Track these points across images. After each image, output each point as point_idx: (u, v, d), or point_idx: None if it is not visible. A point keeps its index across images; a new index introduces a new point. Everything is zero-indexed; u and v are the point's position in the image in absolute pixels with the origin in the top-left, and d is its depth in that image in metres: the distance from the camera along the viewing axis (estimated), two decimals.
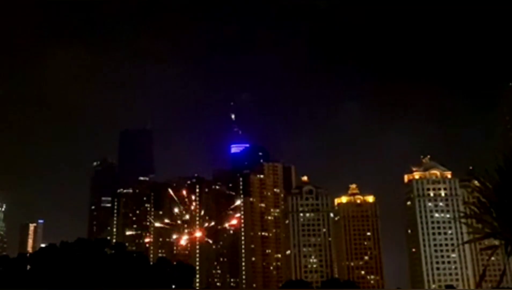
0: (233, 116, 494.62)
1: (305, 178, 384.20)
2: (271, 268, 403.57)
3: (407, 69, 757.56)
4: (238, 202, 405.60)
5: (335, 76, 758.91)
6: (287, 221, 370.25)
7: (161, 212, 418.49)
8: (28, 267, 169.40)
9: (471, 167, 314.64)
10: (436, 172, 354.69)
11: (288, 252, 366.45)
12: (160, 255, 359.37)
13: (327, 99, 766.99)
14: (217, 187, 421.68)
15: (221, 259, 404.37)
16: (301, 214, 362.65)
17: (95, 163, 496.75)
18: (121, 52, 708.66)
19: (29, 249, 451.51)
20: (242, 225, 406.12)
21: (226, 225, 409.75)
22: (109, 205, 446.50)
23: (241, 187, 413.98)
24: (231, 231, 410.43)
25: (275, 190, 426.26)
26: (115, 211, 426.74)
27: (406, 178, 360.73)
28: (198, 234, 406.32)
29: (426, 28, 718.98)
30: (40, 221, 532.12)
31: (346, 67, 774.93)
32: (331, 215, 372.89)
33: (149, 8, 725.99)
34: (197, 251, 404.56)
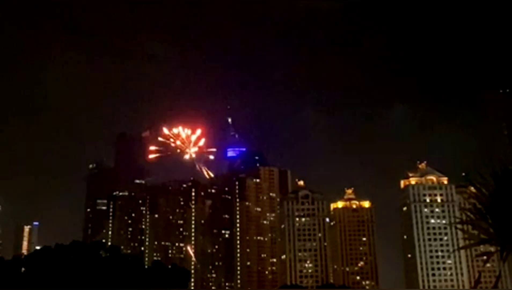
0: (229, 120, 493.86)
1: (301, 182, 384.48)
2: (266, 272, 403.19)
3: (402, 69, 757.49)
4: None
5: (332, 81, 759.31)
6: (282, 226, 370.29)
7: (156, 215, 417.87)
8: (23, 269, 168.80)
9: (463, 173, 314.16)
10: (432, 177, 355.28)
11: (283, 256, 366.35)
12: (155, 258, 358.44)
13: (324, 104, 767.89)
14: (213, 191, 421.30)
15: (216, 263, 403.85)
16: (297, 219, 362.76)
17: (91, 166, 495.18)
18: (119, 54, 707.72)
19: (24, 251, 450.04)
20: (238, 229, 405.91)
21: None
22: (104, 207, 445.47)
23: (237, 191, 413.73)
24: (227, 235, 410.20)
25: (271, 194, 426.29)
26: (111, 214, 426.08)
27: (402, 183, 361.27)
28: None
29: (418, 27, 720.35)
30: (35, 223, 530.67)
31: (344, 70, 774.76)
32: (327, 220, 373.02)
33: (148, 11, 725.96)
34: (192, 254, 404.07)
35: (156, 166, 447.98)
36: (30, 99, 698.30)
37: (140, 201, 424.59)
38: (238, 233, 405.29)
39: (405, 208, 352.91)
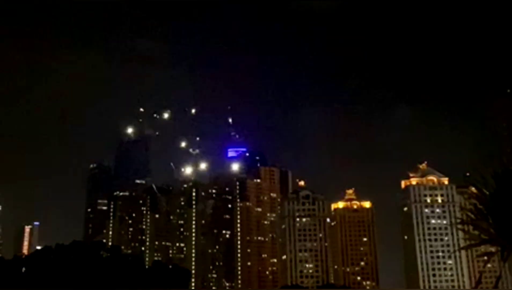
0: (230, 120, 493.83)
1: (301, 182, 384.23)
2: (267, 272, 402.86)
3: (403, 69, 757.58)
4: None
5: (331, 81, 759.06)
6: (283, 226, 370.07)
7: (157, 216, 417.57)
8: (23, 269, 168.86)
9: (467, 174, 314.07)
10: (433, 178, 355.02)
11: (284, 257, 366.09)
12: (155, 258, 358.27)
13: (324, 104, 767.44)
14: (214, 191, 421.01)
15: (217, 263, 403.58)
16: (298, 219, 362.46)
17: (91, 166, 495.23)
18: (121, 55, 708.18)
19: (25, 251, 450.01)
20: (239, 229, 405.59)
21: None
22: (105, 207, 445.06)
23: (237, 191, 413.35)
24: (227, 236, 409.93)
25: (271, 194, 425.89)
26: (111, 214, 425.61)
27: (403, 184, 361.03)
28: None
29: (415, 28, 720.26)
30: (36, 223, 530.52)
31: (345, 70, 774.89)
32: (328, 220, 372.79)
33: (150, 12, 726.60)
34: (193, 255, 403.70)
35: (157, 166, 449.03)
36: (30, 99, 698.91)
37: (140, 201, 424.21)
38: (238, 233, 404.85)
39: (405, 209, 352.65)
